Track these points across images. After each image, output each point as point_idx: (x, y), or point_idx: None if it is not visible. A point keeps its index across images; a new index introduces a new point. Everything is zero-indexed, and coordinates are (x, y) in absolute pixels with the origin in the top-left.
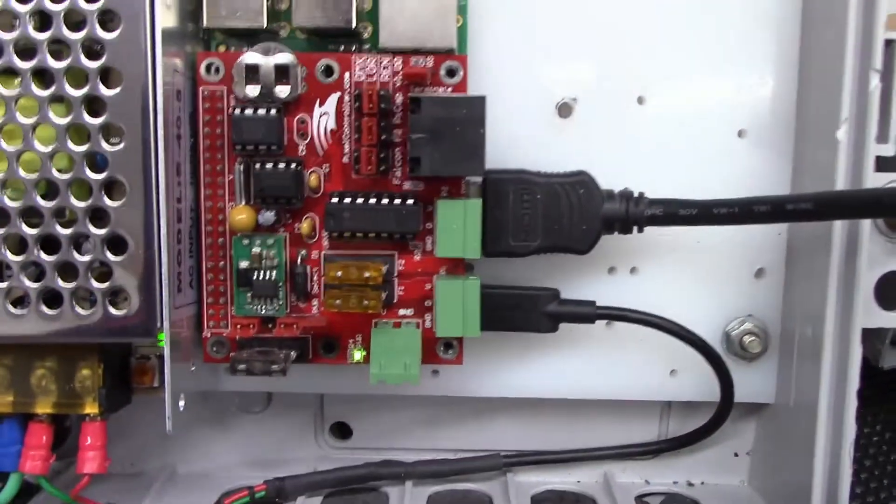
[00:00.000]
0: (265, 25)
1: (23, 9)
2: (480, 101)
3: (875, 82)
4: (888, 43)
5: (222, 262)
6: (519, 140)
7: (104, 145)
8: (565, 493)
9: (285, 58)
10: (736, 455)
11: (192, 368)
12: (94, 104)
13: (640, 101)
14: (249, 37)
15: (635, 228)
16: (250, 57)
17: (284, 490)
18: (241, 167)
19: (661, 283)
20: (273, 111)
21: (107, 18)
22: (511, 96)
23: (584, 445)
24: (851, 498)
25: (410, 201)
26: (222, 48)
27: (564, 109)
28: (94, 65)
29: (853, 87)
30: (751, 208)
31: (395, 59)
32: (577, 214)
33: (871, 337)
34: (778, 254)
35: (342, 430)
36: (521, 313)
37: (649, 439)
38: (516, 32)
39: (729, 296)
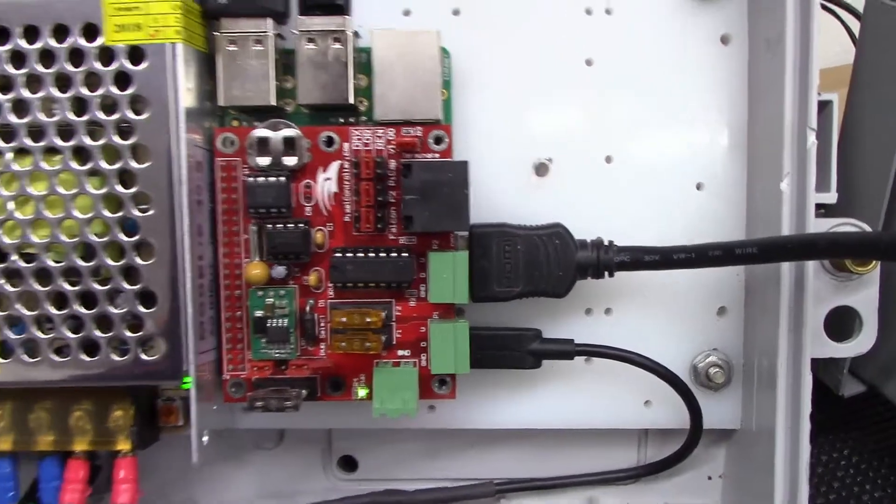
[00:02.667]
0: (274, 103)
1: (63, 95)
2: (464, 165)
3: (812, 139)
4: (822, 104)
5: (239, 312)
6: (500, 197)
7: (135, 212)
8: None
9: (291, 132)
10: (709, 478)
11: (214, 408)
12: (125, 176)
13: (608, 159)
14: (259, 113)
15: (606, 273)
16: (261, 132)
17: None
18: (255, 228)
19: (633, 322)
20: (282, 178)
21: (136, 101)
22: (492, 158)
23: (570, 472)
24: None
25: (405, 254)
26: (235, 123)
27: (541, 169)
28: (125, 143)
29: (793, 144)
30: (706, 253)
31: (389, 129)
32: (555, 262)
33: (831, 367)
34: (737, 293)
35: (349, 464)
36: (507, 352)
37: (629, 465)
38: (495, 102)
39: (694, 332)
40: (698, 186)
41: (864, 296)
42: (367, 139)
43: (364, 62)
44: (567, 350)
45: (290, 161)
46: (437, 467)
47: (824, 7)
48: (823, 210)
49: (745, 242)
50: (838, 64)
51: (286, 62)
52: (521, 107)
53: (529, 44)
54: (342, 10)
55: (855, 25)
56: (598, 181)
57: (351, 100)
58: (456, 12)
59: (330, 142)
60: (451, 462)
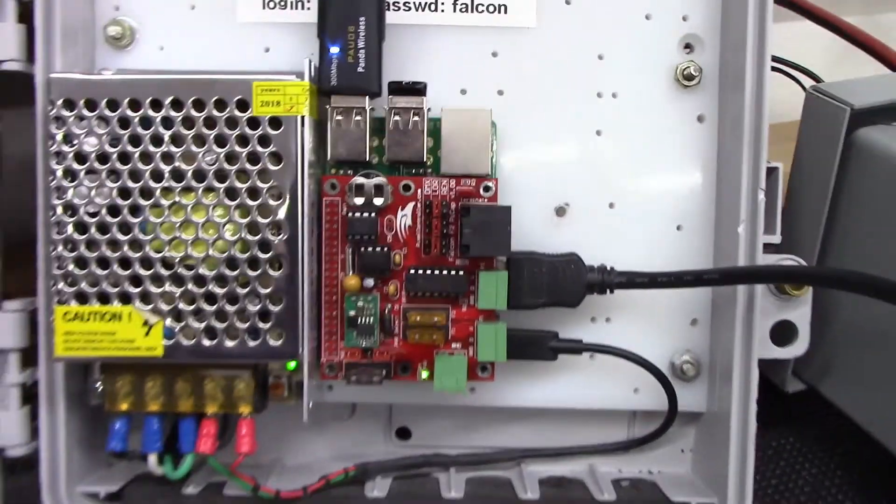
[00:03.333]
0: (367, 159)
1: (220, 150)
2: (507, 209)
3: (761, 197)
4: (770, 169)
5: (335, 312)
6: (531, 232)
7: (269, 236)
8: (562, 478)
9: (380, 180)
10: (682, 451)
11: (315, 383)
12: (263, 210)
13: (612, 205)
14: (356, 164)
15: (608, 291)
16: (358, 179)
17: (367, 471)
18: (351, 250)
19: (627, 328)
20: (372, 214)
21: (273, 156)
22: (527, 203)
23: (576, 443)
24: (755, 483)
25: (461, 272)
26: (335, 171)
27: (561, 211)
28: (264, 185)
29: (748, 199)
30: (682, 278)
31: (451, 180)
32: (570, 281)
33: (778, 368)
34: (706, 308)
35: (404, 433)
36: (533, 347)
37: (621, 439)
38: (529, 161)
39: (673, 337)
40: (678, 228)
41: (800, 312)
42: (435, 187)
43: (433, 129)
44: (577, 347)
45: (378, 201)
46: (473, 438)
47: (781, 70)
48: (771, 248)
49: (710, 270)
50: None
51: (377, 127)
52: (547, 164)
53: (554, 117)
54: (421, 92)
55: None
56: (604, 222)
57: (424, 158)
58: (500, 93)
59: (407, 188)
60: (484, 434)
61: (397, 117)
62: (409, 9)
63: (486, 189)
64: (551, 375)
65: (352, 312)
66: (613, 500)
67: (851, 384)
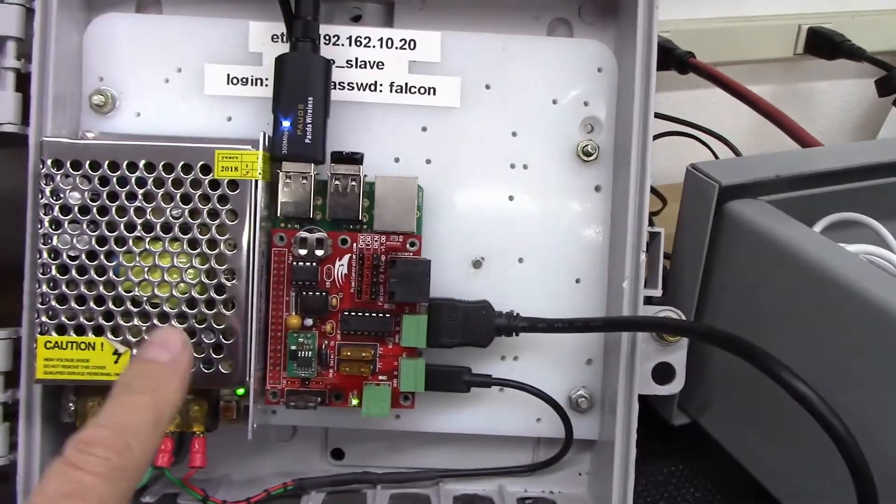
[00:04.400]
0: (311, 216)
1: (185, 207)
2: (427, 262)
3: (642, 257)
4: (652, 234)
5: (280, 346)
6: (451, 281)
7: (224, 280)
8: (474, 495)
9: (321, 234)
10: (580, 474)
11: (259, 407)
12: (220, 258)
13: (521, 260)
14: (301, 220)
15: (514, 333)
16: (302, 234)
17: (304, 486)
18: (294, 293)
19: (532, 367)
20: (314, 263)
21: (231, 212)
22: (446, 256)
23: (487, 465)
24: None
25: (387, 315)
26: (283, 225)
27: (477, 264)
28: (222, 237)
29: (632, 258)
30: (574, 324)
31: (382, 236)
32: (481, 324)
33: (665, 403)
34: (600, 350)
35: (338, 454)
36: (448, 380)
37: (527, 462)
38: (450, 221)
39: (571, 374)
40: (577, 281)
41: (677, 356)
42: (368, 241)
43: (368, 192)
44: (487, 382)
45: (319, 252)
46: (398, 459)
47: (697, 138)
48: (652, 301)
49: (596, 319)
50: None
51: (320, 189)
52: (467, 223)
53: (474, 183)
54: (358, 161)
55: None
56: (514, 274)
57: (360, 216)
58: (428, 161)
59: (344, 241)
60: (408, 455)
61: (337, 182)
62: (353, 89)
63: (412, 244)
64: (465, 405)
65: (293, 347)
66: None
67: (724, 419)
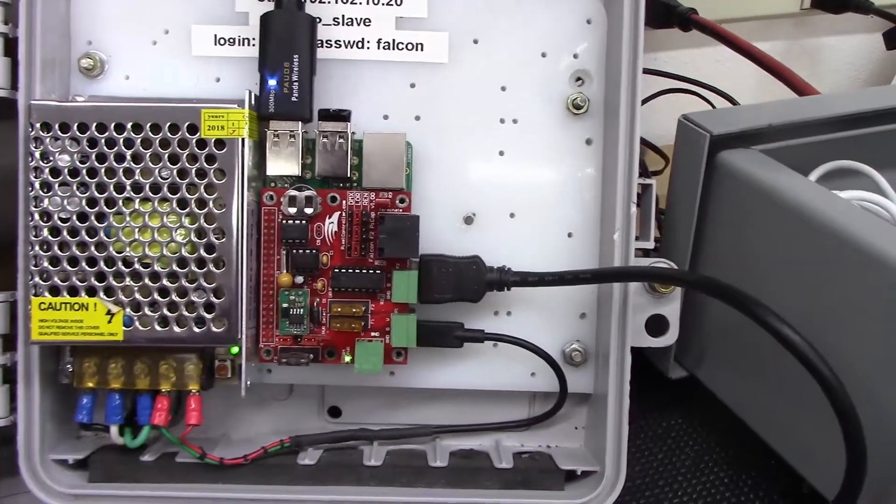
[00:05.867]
0: (299, 174)
1: (173, 167)
2: (416, 218)
3: (633, 209)
4: (644, 186)
5: (272, 304)
6: (441, 237)
7: (214, 239)
8: (471, 450)
9: (310, 192)
10: (576, 428)
11: (252, 365)
12: (209, 217)
13: (512, 215)
14: (290, 178)
15: (506, 288)
16: (291, 192)
17: (300, 443)
18: (285, 251)
19: (525, 321)
20: (303, 221)
21: (218, 171)
22: (437, 213)
23: (483, 420)
24: (644, 459)
25: (378, 271)
26: (272, 184)
27: (468, 220)
28: (210, 196)
29: (623, 210)
30: (563, 277)
31: (371, 193)
32: (472, 280)
33: (661, 357)
34: (592, 303)
35: (335, 412)
36: (441, 336)
37: (522, 417)
38: (440, 176)
39: (564, 328)
40: (569, 235)
41: (670, 308)
42: (358, 199)
43: (357, 149)
44: (480, 336)
45: (308, 210)
46: (394, 415)
47: (695, 93)
48: (642, 252)
49: (585, 271)
50: None
51: (308, 147)
52: (457, 179)
53: (464, 139)
54: (345, 118)
55: None
56: (505, 229)
57: (348, 174)
58: (417, 118)
59: (333, 199)
60: (404, 411)
61: (325, 139)
62: (340, 46)
63: (401, 201)
64: (459, 361)
65: (285, 305)
66: (510, 468)
67: (721, 371)
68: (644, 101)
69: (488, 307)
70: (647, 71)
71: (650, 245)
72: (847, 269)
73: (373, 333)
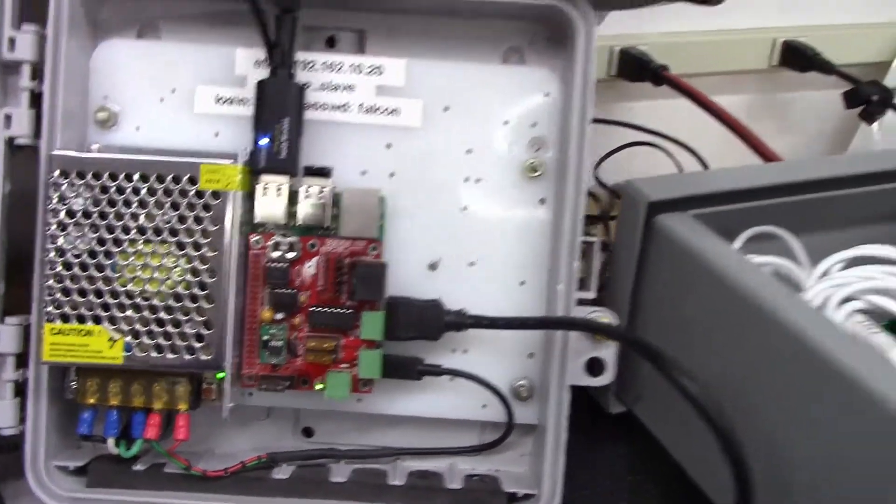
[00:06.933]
0: (284, 222)
1: (174, 213)
2: (384, 265)
3: (576, 265)
4: (588, 243)
5: (254, 337)
6: (408, 281)
7: (206, 278)
8: (427, 471)
9: (293, 239)
10: (522, 455)
11: (235, 389)
12: (203, 258)
13: (472, 264)
14: (276, 226)
15: (463, 329)
16: (276, 237)
17: (276, 459)
18: (268, 291)
19: (479, 359)
20: (286, 265)
21: (213, 219)
22: (406, 260)
23: (439, 445)
24: (587, 489)
25: (350, 311)
26: (260, 230)
27: (433, 267)
28: (205, 241)
29: (566, 265)
30: (512, 322)
31: (347, 242)
32: (433, 320)
33: (603, 393)
34: (540, 344)
35: (308, 432)
36: (403, 369)
37: (474, 444)
38: (409, 228)
39: (514, 366)
40: (522, 283)
41: (607, 352)
42: (334, 246)
43: (336, 202)
44: (437, 371)
45: (290, 255)
46: (361, 437)
47: (661, 147)
48: (591, 301)
49: (531, 318)
50: None
51: (293, 199)
52: (425, 230)
53: (433, 195)
54: (327, 174)
55: None
56: (465, 276)
57: (328, 224)
58: (392, 175)
59: (313, 246)
60: (370, 434)
61: (309, 192)
62: (326, 109)
63: (373, 249)
64: (419, 392)
65: (265, 337)
66: (460, 488)
67: (653, 409)
68: (612, 153)
69: (447, 345)
70: (617, 123)
71: (591, 296)
72: (750, 328)
73: (343, 365)
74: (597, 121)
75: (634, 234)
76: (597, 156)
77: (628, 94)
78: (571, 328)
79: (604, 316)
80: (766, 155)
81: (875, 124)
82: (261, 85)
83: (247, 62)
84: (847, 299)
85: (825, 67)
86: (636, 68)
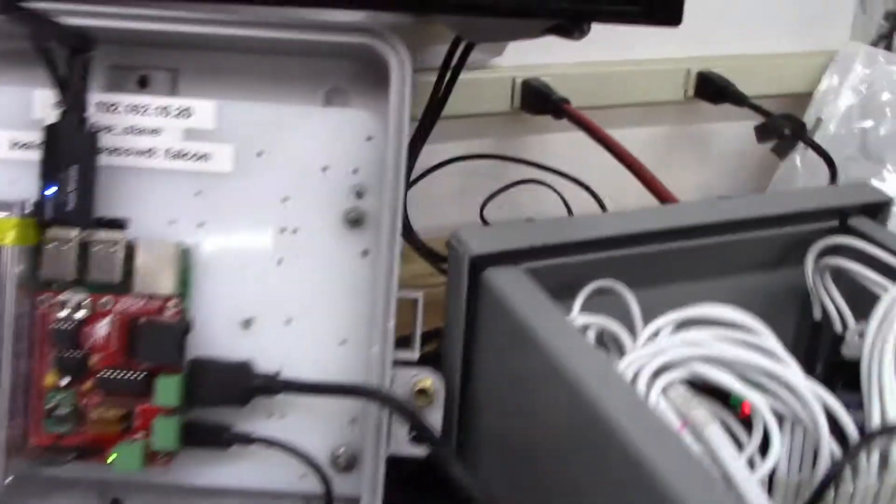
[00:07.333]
0: (73, 278)
1: None
2: (176, 325)
3: (390, 324)
4: (412, 301)
5: (39, 404)
6: (218, 340)
7: None
8: None
9: (83, 297)
10: None
11: (23, 463)
12: None
13: (288, 322)
14: (65, 283)
15: (274, 394)
16: (63, 296)
17: None
18: (56, 353)
19: (297, 425)
20: (73, 326)
21: None
22: (215, 316)
23: None
24: None
25: (144, 375)
26: (49, 287)
27: (246, 324)
28: None
29: (382, 325)
30: (327, 387)
31: (142, 299)
32: (240, 384)
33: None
34: (362, 409)
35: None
36: (209, 436)
37: None
38: (222, 282)
39: (335, 433)
40: (343, 342)
41: (432, 418)
42: (129, 305)
43: (132, 256)
44: (247, 439)
45: (78, 315)
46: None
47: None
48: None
49: (346, 385)
50: None
51: (84, 253)
52: (236, 285)
53: (245, 246)
54: (122, 226)
55: None
56: (281, 335)
57: (118, 280)
58: (201, 224)
59: (105, 304)
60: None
61: (100, 246)
62: (130, 155)
63: (172, 306)
64: (231, 461)
65: (49, 405)
66: None
67: (488, 478)
68: (498, 193)
69: (263, 409)
70: (506, 158)
71: (413, 357)
72: (559, 397)
73: (139, 433)
74: (486, 156)
75: (460, 289)
76: (484, 194)
77: (534, 127)
78: (369, 398)
79: (426, 379)
80: (660, 194)
81: (797, 157)
82: (48, 130)
83: (46, 104)
84: (665, 367)
85: (737, 99)
86: (538, 100)
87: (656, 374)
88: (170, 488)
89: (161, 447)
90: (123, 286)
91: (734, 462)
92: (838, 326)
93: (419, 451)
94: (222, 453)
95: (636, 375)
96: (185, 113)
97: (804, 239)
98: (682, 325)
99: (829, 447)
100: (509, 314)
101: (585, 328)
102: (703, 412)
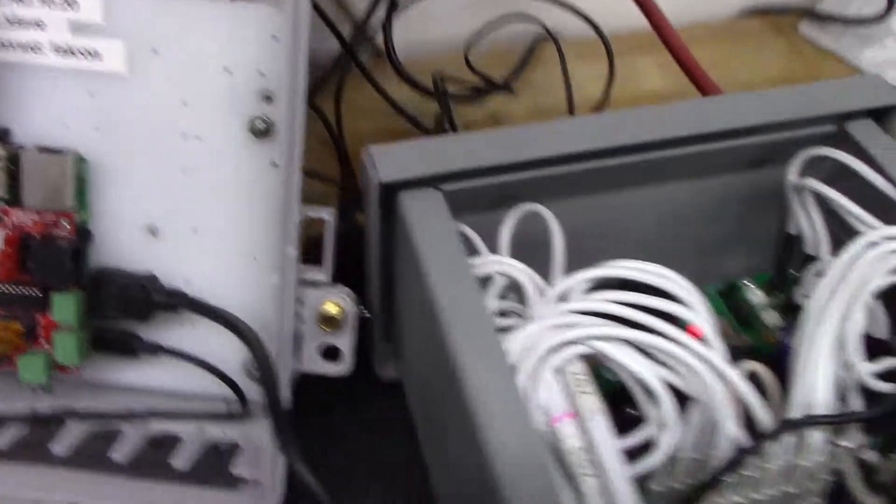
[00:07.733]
0: None
1: None
2: (68, 246)
3: (291, 251)
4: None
5: None
6: (122, 250)
7: None
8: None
9: None
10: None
11: None
12: None
13: (195, 231)
14: None
15: (175, 310)
16: None
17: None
18: None
19: (210, 335)
20: None
21: None
22: (118, 227)
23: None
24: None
25: (42, 290)
26: None
27: (151, 233)
28: None
29: (282, 250)
30: (223, 317)
31: (35, 213)
32: (141, 300)
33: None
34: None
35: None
36: (117, 344)
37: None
38: (124, 191)
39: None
40: (255, 258)
41: (343, 340)
42: (22, 218)
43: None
44: (154, 349)
45: None
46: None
47: None
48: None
49: (226, 313)
50: None
51: None
52: (140, 194)
53: (145, 154)
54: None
55: None
56: (189, 246)
57: (5, 194)
58: (97, 129)
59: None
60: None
61: None
62: (12, 49)
63: (68, 222)
64: (145, 364)
65: None
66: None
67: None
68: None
69: (175, 318)
70: None
71: (323, 278)
72: (435, 343)
73: (43, 345)
74: None
75: (374, 213)
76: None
77: None
78: (227, 326)
79: (329, 303)
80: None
81: None
82: None
83: None
84: (563, 344)
85: None
86: None
87: (552, 350)
88: (81, 383)
89: (63, 362)
90: (13, 200)
91: (610, 456)
92: (813, 251)
93: (336, 370)
94: (135, 357)
95: (530, 347)
96: (69, 4)
97: (794, 144)
98: (597, 287)
99: (732, 438)
100: (412, 245)
101: (489, 277)
102: (592, 399)
